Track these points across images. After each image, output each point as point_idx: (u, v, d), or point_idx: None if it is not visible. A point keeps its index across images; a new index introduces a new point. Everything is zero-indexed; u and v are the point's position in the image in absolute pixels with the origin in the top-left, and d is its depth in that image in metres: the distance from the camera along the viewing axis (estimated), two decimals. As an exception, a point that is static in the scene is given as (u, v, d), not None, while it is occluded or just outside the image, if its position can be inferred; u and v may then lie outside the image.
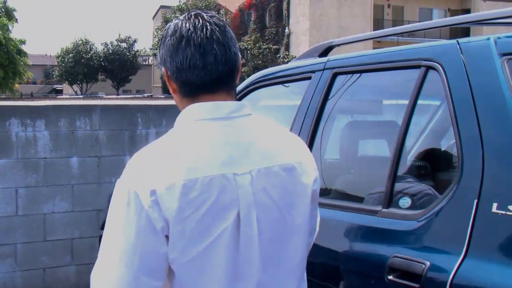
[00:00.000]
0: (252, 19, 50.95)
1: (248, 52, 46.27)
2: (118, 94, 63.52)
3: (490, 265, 1.96)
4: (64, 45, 71.44)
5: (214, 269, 1.57)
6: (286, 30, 46.99)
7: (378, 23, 45.42)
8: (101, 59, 67.53)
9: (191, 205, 1.53)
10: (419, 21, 46.47)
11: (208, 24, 1.68)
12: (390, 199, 2.47)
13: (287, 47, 46.79)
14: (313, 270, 2.01)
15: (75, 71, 66.55)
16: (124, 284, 1.53)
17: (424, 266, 2.12)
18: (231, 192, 1.57)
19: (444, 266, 2.06)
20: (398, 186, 2.55)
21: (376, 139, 3.27)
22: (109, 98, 35.07)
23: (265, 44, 46.31)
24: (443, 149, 3.19)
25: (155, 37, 53.93)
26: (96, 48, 69.09)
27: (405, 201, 2.48)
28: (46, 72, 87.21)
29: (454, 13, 47.97)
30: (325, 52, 3.35)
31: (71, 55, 66.74)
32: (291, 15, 46.69)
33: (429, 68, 2.44)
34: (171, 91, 1.75)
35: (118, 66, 67.32)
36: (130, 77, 69.74)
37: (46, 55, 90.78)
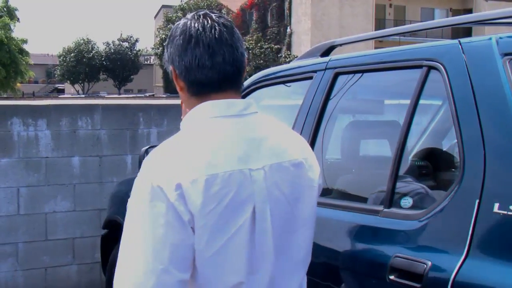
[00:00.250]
0: (254, 18, 50.99)
1: (250, 51, 46.26)
2: (119, 94, 63.58)
3: (492, 265, 1.96)
4: (66, 44, 71.50)
5: (234, 262, 1.62)
6: (288, 30, 47.01)
7: (379, 23, 45.40)
8: (103, 59, 67.59)
9: (213, 199, 1.57)
10: (421, 21, 46.49)
11: (216, 24, 1.73)
12: (391, 199, 2.47)
13: (289, 47, 46.81)
14: (314, 270, 2.01)
15: (76, 71, 66.62)
16: (154, 278, 1.54)
17: (425, 266, 2.11)
18: (247, 187, 1.62)
19: (446, 266, 2.06)
20: (400, 186, 2.55)
21: (377, 139, 3.27)
22: (111, 98, 35.12)
23: (266, 43, 46.32)
24: (444, 149, 3.19)
25: (156, 36, 53.92)
26: (97, 47, 69.16)
27: (407, 201, 2.47)
28: (47, 71, 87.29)
29: (456, 13, 47.93)
30: (327, 52, 3.34)
31: (72, 54, 66.81)
32: (292, 14, 46.70)
33: (430, 68, 2.44)
34: (178, 89, 1.79)
35: (120, 65, 67.37)
36: (131, 76, 69.78)
37: (47, 54, 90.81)
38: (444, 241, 2.15)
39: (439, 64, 2.38)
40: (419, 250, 2.22)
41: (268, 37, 48.12)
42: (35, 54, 66.04)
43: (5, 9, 41.22)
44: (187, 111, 1.79)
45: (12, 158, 5.96)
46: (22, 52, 40.50)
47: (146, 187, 1.58)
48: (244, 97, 3.53)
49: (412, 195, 2.54)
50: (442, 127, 3.26)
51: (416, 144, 3.15)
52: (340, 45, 3.21)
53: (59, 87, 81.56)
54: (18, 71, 39.09)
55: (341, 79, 2.96)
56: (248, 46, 45.96)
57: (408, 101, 2.57)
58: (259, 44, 45.58)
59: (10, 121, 5.94)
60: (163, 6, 67.78)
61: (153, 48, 56.14)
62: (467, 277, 1.99)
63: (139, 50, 71.69)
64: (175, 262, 1.56)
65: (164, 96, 47.72)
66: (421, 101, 2.51)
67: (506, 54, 2.18)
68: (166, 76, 59.10)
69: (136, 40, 70.27)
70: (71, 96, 58.14)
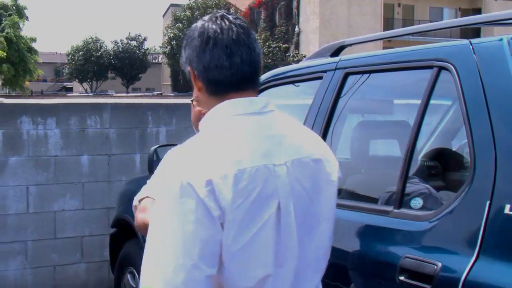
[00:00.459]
0: (262, 17, 50.98)
1: (258, 50, 46.27)
2: (127, 92, 63.68)
3: (503, 267, 1.95)
4: (74, 43, 71.70)
5: (260, 256, 1.65)
6: (296, 29, 46.98)
7: (388, 22, 45.30)
8: (111, 57, 67.72)
9: (241, 194, 1.60)
10: (429, 20, 46.42)
11: (233, 26, 1.78)
12: (401, 200, 2.46)
13: (297, 46, 46.78)
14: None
15: (85, 69, 66.80)
16: (184, 274, 1.56)
17: (436, 267, 2.11)
18: (272, 182, 1.66)
19: (456, 267, 2.06)
20: (410, 186, 2.54)
21: (386, 139, 3.26)
22: (119, 96, 35.19)
23: (275, 42, 46.31)
24: (455, 149, 3.18)
25: (165, 35, 53.98)
26: (106, 46, 69.28)
27: (417, 202, 2.47)
28: (56, 69, 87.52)
29: (464, 12, 47.80)
30: (337, 51, 3.34)
31: (81, 53, 66.97)
32: (301, 13, 46.67)
33: (441, 68, 2.43)
34: (196, 89, 1.82)
35: (128, 64, 67.49)
36: (140, 75, 69.88)
37: (56, 53, 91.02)
38: (455, 242, 2.14)
39: (450, 65, 2.37)
40: (429, 251, 2.21)
41: (276, 36, 48.11)
42: (43, 52, 66.20)
43: (14, 7, 41.34)
44: (201, 111, 1.83)
45: (21, 157, 5.98)
46: (31, 50, 40.65)
47: (175, 184, 1.59)
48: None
49: (422, 196, 2.53)
50: (452, 128, 3.25)
51: (426, 145, 3.14)
52: (350, 45, 3.21)
53: (67, 86, 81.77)
54: (27, 70, 39.24)
55: (351, 79, 2.95)
56: (256, 45, 45.95)
57: (418, 101, 2.57)
58: (267, 43, 45.56)
59: (20, 119, 5.96)
60: (172, 5, 67.82)
61: (161, 47, 56.23)
62: (478, 278, 1.99)
63: (147, 49, 71.79)
64: (204, 258, 1.58)
65: (172, 94, 47.80)
66: (432, 102, 2.50)
67: (517, 55, 2.17)
68: (174, 74, 59.25)
69: (144, 39, 70.34)
70: (79, 94, 58.29)
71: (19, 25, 39.98)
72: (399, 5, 47.15)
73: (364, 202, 2.81)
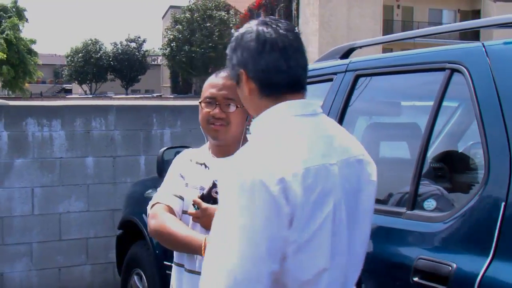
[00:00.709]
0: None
1: (258, 52, 46.29)
2: (127, 94, 63.72)
3: (518, 268, 1.96)
4: (74, 44, 71.51)
5: (320, 250, 1.72)
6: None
7: (387, 24, 45.32)
8: (111, 59, 67.75)
9: (308, 191, 1.67)
10: (428, 22, 46.46)
11: (287, 30, 1.85)
12: (414, 201, 2.48)
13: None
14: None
15: (84, 71, 66.85)
16: (251, 270, 1.62)
17: (450, 268, 2.12)
18: (330, 180, 1.73)
19: (472, 268, 2.07)
20: (423, 188, 2.55)
21: (397, 141, 3.27)
22: (119, 98, 35.19)
23: (274, 44, 46.32)
24: (467, 151, 3.18)
25: (164, 37, 53.95)
26: (105, 48, 69.36)
27: (430, 203, 2.48)
28: (55, 71, 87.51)
29: (464, 14, 47.85)
30: (346, 54, 3.35)
31: (80, 54, 67.05)
32: (300, 15, 46.66)
33: (454, 70, 2.44)
34: (246, 91, 1.87)
35: (127, 65, 67.54)
36: (139, 76, 69.90)
37: (55, 54, 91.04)
38: (470, 243, 2.16)
39: (463, 67, 2.38)
40: (444, 252, 2.22)
41: (276, 38, 48.08)
42: (42, 54, 66.18)
43: (14, 9, 41.34)
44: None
45: (27, 159, 5.99)
46: (31, 52, 40.63)
47: (246, 181, 1.64)
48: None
49: (434, 197, 2.54)
50: (465, 130, 3.26)
51: (438, 147, 3.14)
52: (360, 47, 3.22)
53: (66, 87, 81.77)
54: (26, 71, 39.22)
55: (362, 81, 2.96)
56: (256, 46, 45.97)
57: (429, 103, 2.58)
58: (266, 45, 45.56)
59: (25, 121, 5.97)
60: (171, 7, 67.82)
61: (161, 49, 56.20)
62: (494, 279, 2.00)
63: (147, 51, 71.83)
64: (270, 254, 1.64)
65: (172, 96, 47.82)
66: (445, 104, 2.51)
67: (531, 57, 2.18)
68: (173, 76, 59.26)
69: (144, 41, 70.44)
70: (79, 96, 58.31)
71: (18, 27, 39.97)
72: (398, 6, 47.16)
73: (377, 203, 2.81)
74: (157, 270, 4.30)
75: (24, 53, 38.69)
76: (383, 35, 41.78)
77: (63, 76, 76.19)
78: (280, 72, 1.82)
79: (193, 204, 2.47)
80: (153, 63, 78.83)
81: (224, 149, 2.59)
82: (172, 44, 50.22)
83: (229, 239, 1.64)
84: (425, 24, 45.98)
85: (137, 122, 6.49)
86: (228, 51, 1.93)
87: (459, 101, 2.99)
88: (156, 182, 4.91)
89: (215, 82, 2.58)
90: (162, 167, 3.94)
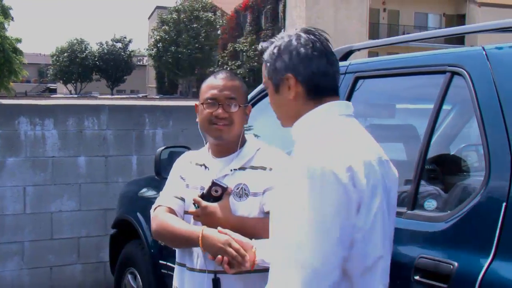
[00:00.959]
0: (248, 21, 51.01)
1: (244, 53, 46.31)
2: (112, 94, 63.44)
3: (520, 267, 2.01)
4: (59, 44, 71.30)
5: (378, 237, 1.85)
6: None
7: (373, 27, 45.51)
8: (96, 59, 67.45)
9: (368, 181, 1.81)
10: (414, 26, 46.68)
11: (325, 39, 2.03)
12: (414, 201, 2.52)
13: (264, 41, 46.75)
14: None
15: (69, 70, 66.49)
16: (324, 256, 1.72)
17: (452, 266, 2.17)
18: (375, 174, 1.85)
19: (473, 267, 2.11)
20: (423, 188, 2.60)
21: (398, 142, 3.31)
22: (104, 98, 35.01)
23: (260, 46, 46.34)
24: (468, 152, 3.24)
25: (151, 37, 53.82)
26: (91, 47, 69.02)
27: (431, 203, 2.53)
28: (40, 70, 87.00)
29: (449, 18, 48.14)
30: (345, 56, 3.39)
31: (66, 54, 66.68)
32: (287, 17, 46.73)
33: (454, 73, 2.49)
34: (291, 95, 1.98)
35: (113, 66, 67.26)
36: (124, 77, 69.66)
37: (40, 53, 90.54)
38: (471, 242, 2.20)
39: (463, 70, 2.43)
40: (445, 251, 2.26)
41: (262, 39, 47.90)
42: (27, 53, 65.70)
43: (-1, 8, 41.06)
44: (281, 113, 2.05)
45: (19, 157, 5.99)
46: (16, 51, 40.33)
47: (316, 172, 1.74)
48: (258, 101, 3.59)
49: (435, 197, 2.59)
50: (465, 131, 3.31)
51: (439, 148, 3.19)
52: (359, 49, 3.26)
53: (51, 87, 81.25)
54: (12, 70, 38.90)
55: (361, 83, 3.00)
56: (242, 48, 46.01)
57: (429, 106, 2.63)
58: (253, 47, 45.60)
59: (18, 120, 5.97)
60: (158, 7, 67.66)
61: (147, 49, 56.07)
62: (495, 278, 2.05)
63: (133, 51, 71.58)
64: (342, 241, 1.74)
65: (157, 97, 47.68)
66: (445, 106, 2.56)
67: (531, 61, 2.23)
68: (159, 77, 59.14)
69: (130, 41, 70.15)
70: (64, 96, 57.96)
71: (4, 25, 39.70)
72: (384, 10, 47.34)
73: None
74: (152, 269, 4.32)
75: (10, 52, 38.41)
76: (369, 38, 42.02)
77: (48, 75, 75.73)
78: (327, 76, 1.98)
79: (194, 203, 2.53)
80: (138, 63, 78.58)
81: (224, 149, 2.64)
82: (158, 45, 50.12)
83: (301, 230, 1.72)
84: (410, 28, 46.22)
85: (129, 122, 6.50)
86: (267, 57, 2.05)
87: (459, 104, 3.04)
88: (150, 181, 4.94)
89: (215, 83, 2.63)
90: (160, 166, 3.96)
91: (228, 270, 2.32)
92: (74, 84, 69.79)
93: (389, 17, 47.50)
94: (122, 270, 4.91)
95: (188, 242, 2.49)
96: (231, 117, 2.58)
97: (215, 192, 2.50)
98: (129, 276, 4.77)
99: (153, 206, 2.73)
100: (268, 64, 2.06)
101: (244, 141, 2.67)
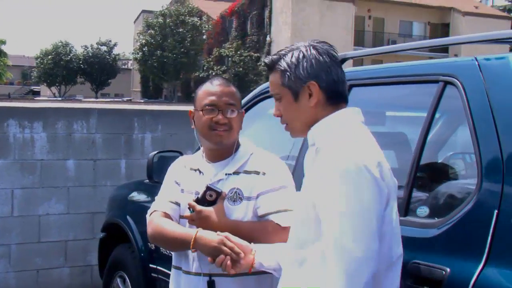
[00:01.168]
0: (234, 26, 51.04)
1: (229, 59, 46.34)
2: (96, 98, 63.17)
3: (511, 272, 2.05)
4: (44, 46, 70.78)
5: (399, 233, 2.05)
6: (268, 38, 47.13)
7: (359, 34, 45.77)
8: (81, 62, 67.12)
9: (391, 178, 2.01)
10: (399, 34, 46.96)
11: (334, 49, 2.18)
12: (407, 208, 2.56)
13: (268, 55, 46.79)
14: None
15: (54, 73, 66.06)
16: (365, 246, 1.84)
17: (444, 272, 2.21)
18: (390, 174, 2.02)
19: (465, 273, 2.15)
20: (415, 195, 2.64)
21: (391, 150, 3.36)
22: (88, 101, 34.90)
23: (246, 51, 46.40)
24: (460, 160, 3.29)
25: (137, 41, 53.68)
26: (76, 50, 68.65)
27: (423, 210, 2.57)
28: (23, 73, 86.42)
29: (433, 26, 48.52)
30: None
31: (50, 56, 66.26)
32: (273, 23, 46.85)
33: (447, 83, 2.53)
34: (313, 102, 2.11)
35: (98, 69, 66.96)
36: (109, 80, 69.39)
37: (24, 56, 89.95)
38: (463, 249, 2.24)
39: (456, 80, 2.47)
40: (437, 257, 2.29)
41: (248, 45, 48.18)
42: (11, 55, 65.40)
43: (-16, 9, 40.87)
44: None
45: (7, 160, 5.98)
46: (0, 53, 40.17)
47: (351, 167, 1.89)
48: (251, 107, 3.62)
49: (427, 204, 2.63)
50: (458, 139, 3.37)
51: (431, 155, 3.24)
52: (352, 58, 3.30)
53: (34, 89, 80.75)
54: (-5, 72, 38.75)
55: (355, 91, 3.04)
56: (227, 53, 46.04)
57: (422, 114, 2.67)
58: (238, 52, 45.66)
59: (6, 122, 5.97)
60: (143, 11, 67.55)
61: (132, 53, 55.92)
62: (487, 283, 2.09)
63: (118, 54, 71.34)
64: (376, 231, 1.88)
65: (142, 101, 47.49)
66: (437, 114, 2.61)
67: (523, 72, 2.28)
68: (144, 81, 59.00)
69: (115, 44, 69.91)
70: (48, 98, 57.60)
71: (-12, 27, 39.51)
72: (369, 18, 47.62)
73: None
74: (142, 273, 4.33)
75: (-6, 53, 38.24)
76: (355, 45, 42.21)
77: (32, 77, 75.26)
78: (343, 83, 2.15)
79: (189, 208, 2.56)
80: (123, 67, 78.32)
81: (219, 154, 2.68)
82: (144, 49, 50.00)
83: (341, 222, 1.85)
84: (395, 36, 46.53)
85: (118, 126, 6.52)
86: (285, 67, 2.13)
87: (452, 112, 3.09)
88: (139, 185, 4.96)
89: (213, 90, 2.66)
90: (152, 170, 3.99)
91: (229, 269, 2.35)
92: (58, 87, 69.39)
93: (374, 25, 47.79)
94: (111, 273, 4.91)
95: (183, 244, 2.52)
96: (230, 122, 2.62)
97: (210, 197, 2.54)
98: (118, 280, 4.78)
99: (149, 211, 2.76)
100: (287, 73, 2.12)
101: (238, 146, 2.71)
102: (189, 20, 49.28)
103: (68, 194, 6.27)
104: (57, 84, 68.69)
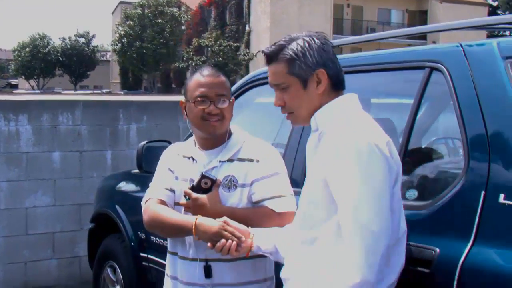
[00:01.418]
0: (213, 16, 50.96)
1: (209, 49, 46.23)
2: (75, 90, 62.77)
3: (498, 251, 2.12)
4: (21, 39, 70.11)
5: (402, 210, 2.19)
6: (247, 28, 47.10)
7: (337, 22, 45.87)
8: (59, 54, 66.61)
9: (398, 157, 2.15)
10: (377, 21, 47.13)
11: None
12: (396, 191, 2.62)
13: (248, 45, 46.86)
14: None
15: (32, 66, 65.53)
16: (381, 221, 1.97)
17: (434, 252, 2.28)
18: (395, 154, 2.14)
19: (454, 252, 2.22)
20: (404, 179, 2.69)
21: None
22: (67, 94, 34.72)
23: (225, 41, 46.30)
24: (446, 144, 3.36)
25: (115, 32, 53.32)
26: (53, 42, 68.12)
27: (412, 193, 2.64)
28: (0, 66, 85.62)
29: (411, 14, 48.75)
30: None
31: (27, 49, 65.67)
32: (251, 12, 46.82)
33: (433, 69, 2.60)
34: (321, 89, 2.19)
35: (76, 61, 66.50)
36: (88, 72, 68.96)
37: (0, 49, 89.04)
38: (452, 230, 2.31)
39: (442, 66, 2.54)
40: (426, 238, 2.35)
41: (227, 35, 48.12)
42: (-13, 48, 64.72)
43: (-41, 2, 40.38)
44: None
45: (-7, 153, 5.98)
46: (-23, 46, 39.69)
47: (363, 146, 2.00)
48: (240, 95, 3.66)
49: (416, 187, 2.70)
50: (444, 124, 3.44)
51: (419, 140, 3.30)
52: (338, 46, 3.36)
53: (12, 82, 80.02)
54: (-27, 66, 38.34)
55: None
56: (207, 43, 45.92)
57: (409, 100, 2.74)
58: (218, 42, 45.55)
59: (-9, 116, 5.96)
60: (121, 2, 67.15)
61: (111, 44, 55.52)
62: (475, 262, 2.16)
63: (96, 46, 70.88)
64: (389, 207, 2.01)
65: (122, 92, 47.31)
66: (424, 101, 2.67)
67: (507, 57, 2.35)
68: (123, 72, 58.69)
69: (93, 36, 69.45)
70: (26, 92, 57.12)
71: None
72: (348, 6, 47.73)
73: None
74: (132, 262, 4.37)
75: (-29, 47, 37.78)
76: (333, 33, 42.27)
77: (9, 70, 74.56)
78: (342, 71, 2.27)
79: (184, 195, 2.61)
80: (102, 59, 77.82)
81: (211, 142, 2.72)
82: (123, 40, 49.72)
83: (356, 197, 1.96)
84: (374, 23, 46.70)
85: (104, 117, 6.53)
86: (293, 55, 2.19)
87: (438, 98, 3.15)
88: (127, 176, 4.99)
89: (203, 81, 2.68)
90: (142, 160, 4.02)
91: (232, 252, 2.40)
92: (37, 80, 68.84)
93: (353, 13, 47.93)
94: (101, 264, 4.95)
95: (182, 231, 2.56)
96: (222, 112, 2.65)
97: (205, 184, 2.59)
98: (109, 270, 4.82)
99: (144, 199, 2.79)
100: (297, 62, 2.18)
101: (230, 134, 2.76)
102: (168, 11, 49.07)
103: (55, 186, 6.29)
104: (35, 77, 68.13)
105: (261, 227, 2.51)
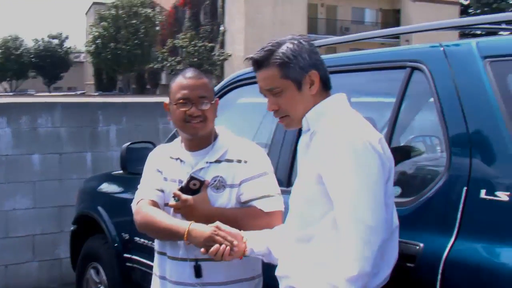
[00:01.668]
0: (187, 16, 50.80)
1: (184, 49, 46.12)
2: (49, 92, 62.28)
3: (480, 245, 2.19)
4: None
5: (392, 200, 2.23)
6: (221, 28, 47.05)
7: (312, 22, 46.03)
8: (32, 56, 66.03)
9: (390, 154, 2.20)
10: (351, 20, 47.39)
11: None
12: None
13: (222, 45, 46.83)
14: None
15: (4, 68, 64.87)
16: (378, 216, 2.04)
17: (418, 247, 2.34)
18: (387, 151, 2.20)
19: (437, 247, 2.28)
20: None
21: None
22: (40, 96, 34.47)
23: (200, 42, 46.22)
24: (428, 141, 3.42)
25: (89, 33, 52.98)
26: (26, 44, 67.50)
27: (395, 190, 2.69)
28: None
29: (385, 13, 49.08)
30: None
31: (0, 51, 65.02)
32: (226, 13, 46.79)
33: (414, 69, 2.66)
34: (314, 90, 2.25)
35: (50, 62, 65.97)
36: (61, 74, 68.44)
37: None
38: (435, 225, 2.37)
39: (423, 66, 2.60)
40: (411, 234, 2.41)
41: (202, 35, 48.00)
42: (-42, 50, 63.98)
43: None
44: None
45: (-28, 156, 5.95)
46: None
47: (358, 144, 2.06)
48: (222, 95, 3.70)
49: (400, 184, 2.76)
50: (425, 122, 3.50)
51: (402, 138, 3.36)
52: (320, 46, 3.41)
53: (-16, 85, 79.11)
54: None
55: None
56: (182, 44, 45.80)
57: (390, 99, 2.80)
58: (192, 42, 45.45)
59: (-31, 119, 5.93)
60: (94, 3, 66.72)
61: (85, 46, 55.13)
62: (458, 256, 2.22)
63: (69, 48, 70.38)
64: (383, 203, 2.08)
65: (96, 94, 47.02)
66: (406, 100, 2.74)
67: (486, 57, 2.41)
68: (97, 73, 58.31)
69: (66, 37, 69.00)
70: (-1, 94, 56.56)
71: None
72: (322, 5, 47.91)
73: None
74: (116, 263, 4.38)
75: None
76: (308, 32, 42.41)
77: (-18, 73, 73.68)
78: (328, 71, 2.33)
79: (173, 197, 2.63)
80: (76, 60, 77.25)
81: (197, 143, 2.74)
82: (97, 41, 49.41)
83: (353, 193, 2.02)
84: (348, 22, 46.94)
85: (83, 119, 6.54)
86: (286, 58, 2.22)
87: (419, 97, 3.21)
88: (108, 177, 5.01)
89: (185, 83, 2.70)
90: (126, 162, 4.04)
91: (226, 257, 2.43)
92: (10, 82, 68.15)
93: (327, 12, 48.11)
94: (84, 265, 4.95)
95: (175, 236, 2.58)
96: (204, 114, 2.68)
97: (194, 186, 2.62)
98: (92, 271, 4.83)
99: (135, 200, 2.81)
100: (291, 65, 2.20)
101: (216, 135, 2.79)
102: (142, 12, 48.87)
103: (35, 189, 6.28)
104: (8, 79, 67.44)
105: (250, 227, 2.55)
